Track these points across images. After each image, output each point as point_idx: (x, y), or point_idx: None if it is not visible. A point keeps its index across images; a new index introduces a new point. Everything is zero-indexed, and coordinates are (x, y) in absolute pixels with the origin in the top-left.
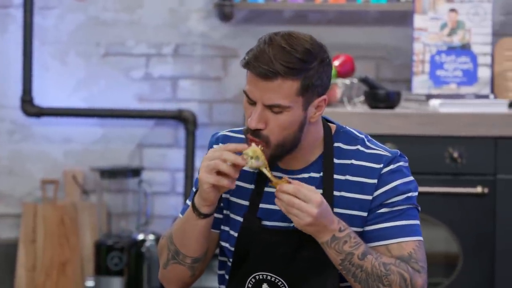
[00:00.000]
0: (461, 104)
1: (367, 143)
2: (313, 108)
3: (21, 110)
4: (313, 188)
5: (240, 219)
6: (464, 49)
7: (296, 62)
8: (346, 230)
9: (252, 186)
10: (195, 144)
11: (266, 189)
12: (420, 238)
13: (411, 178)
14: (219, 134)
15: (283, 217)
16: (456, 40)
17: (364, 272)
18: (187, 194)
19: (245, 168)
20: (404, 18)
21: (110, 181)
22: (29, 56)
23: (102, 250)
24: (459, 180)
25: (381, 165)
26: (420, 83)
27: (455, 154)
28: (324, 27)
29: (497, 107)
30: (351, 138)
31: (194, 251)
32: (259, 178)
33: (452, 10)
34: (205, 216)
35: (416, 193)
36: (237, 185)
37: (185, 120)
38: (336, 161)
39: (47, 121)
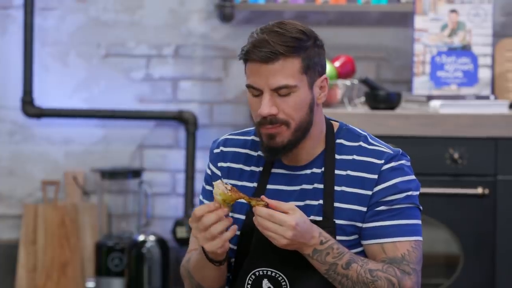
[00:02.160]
0: (462, 105)
1: (369, 140)
2: (317, 88)
3: (21, 111)
4: (291, 207)
5: (243, 217)
6: (465, 50)
7: (293, 41)
8: (328, 242)
9: (254, 184)
10: (195, 145)
11: (269, 186)
12: (419, 238)
13: (412, 177)
14: (219, 139)
15: None
16: (457, 41)
17: (350, 280)
18: (187, 195)
19: (245, 168)
20: (404, 19)
21: (110, 182)
22: (30, 57)
23: (102, 251)
24: (459, 181)
25: (382, 161)
26: (421, 84)
27: (456, 155)
28: (324, 28)
29: (498, 108)
30: (354, 135)
31: (216, 283)
32: (261, 177)
33: (453, 11)
34: (221, 263)
35: (417, 193)
36: (240, 184)
37: (186, 121)
38: (337, 156)
39: (47, 122)
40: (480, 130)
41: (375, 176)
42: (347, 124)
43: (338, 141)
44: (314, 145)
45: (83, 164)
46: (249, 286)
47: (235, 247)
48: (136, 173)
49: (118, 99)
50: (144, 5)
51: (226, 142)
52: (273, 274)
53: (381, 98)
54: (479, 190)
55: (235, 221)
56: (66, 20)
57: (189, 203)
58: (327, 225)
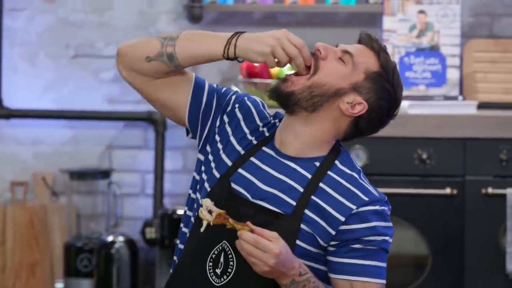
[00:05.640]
0: (430, 106)
1: (362, 176)
2: (351, 99)
3: None
4: (274, 235)
5: (216, 174)
6: (433, 50)
7: (382, 46)
8: (306, 275)
9: (240, 149)
10: (164, 146)
11: (252, 158)
12: (384, 281)
13: (391, 224)
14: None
15: (256, 193)
16: (425, 41)
17: None
18: (156, 195)
19: (246, 131)
20: (373, 20)
21: (79, 183)
22: None
23: (71, 251)
24: (428, 181)
25: (367, 199)
26: None
27: (424, 156)
28: (293, 29)
29: (466, 108)
30: (350, 164)
31: (187, 62)
32: (251, 148)
33: (421, 11)
34: (231, 58)
35: (391, 240)
36: (231, 143)
37: (155, 122)
38: (329, 172)
39: (16, 123)
40: (449, 130)
41: (353, 207)
42: (349, 153)
43: (335, 162)
44: (311, 144)
45: (52, 164)
46: (212, 257)
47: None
48: (105, 174)
49: (87, 100)
50: (113, 6)
51: (253, 102)
52: (228, 252)
53: None
54: (448, 191)
55: (212, 178)
56: (35, 21)
57: (158, 204)
58: (292, 225)
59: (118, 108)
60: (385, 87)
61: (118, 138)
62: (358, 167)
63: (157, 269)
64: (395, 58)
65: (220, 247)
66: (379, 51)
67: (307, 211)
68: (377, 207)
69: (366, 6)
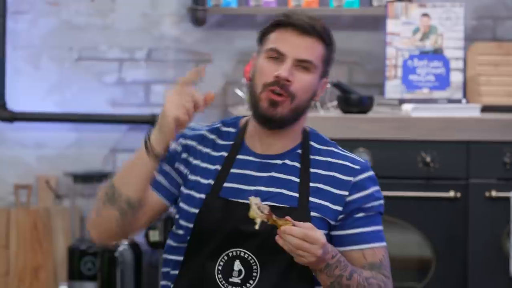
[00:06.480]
0: (434, 109)
1: (339, 147)
2: (321, 87)
3: None
4: (311, 226)
5: (200, 196)
6: (437, 53)
7: (326, 31)
8: (337, 256)
9: (217, 167)
10: (168, 149)
11: (233, 170)
12: (386, 244)
13: (379, 187)
14: (191, 124)
15: (254, 195)
16: (429, 44)
17: None
18: None
19: (209, 151)
20: (376, 23)
21: (83, 186)
22: (2, 60)
23: (75, 255)
24: (431, 184)
25: (359, 167)
26: (393, 88)
27: (428, 159)
28: None
29: (469, 111)
30: (324, 141)
31: (133, 191)
32: (226, 161)
33: (425, 14)
34: (156, 156)
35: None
36: (203, 166)
37: None
38: (311, 156)
39: (20, 126)
40: (452, 133)
41: (351, 179)
42: (314, 129)
43: (310, 143)
44: (292, 138)
45: (55, 168)
46: (220, 266)
47: (191, 225)
48: (108, 177)
49: (91, 103)
50: (116, 8)
51: (192, 128)
52: (246, 256)
53: (353, 102)
54: (451, 194)
55: (195, 201)
56: (38, 23)
57: None
58: (303, 216)
59: (121, 111)
60: (333, 52)
61: (121, 141)
62: (330, 140)
63: (161, 272)
64: (399, 61)
65: (231, 255)
66: (309, 31)
67: (311, 199)
68: (369, 173)
69: (370, 9)
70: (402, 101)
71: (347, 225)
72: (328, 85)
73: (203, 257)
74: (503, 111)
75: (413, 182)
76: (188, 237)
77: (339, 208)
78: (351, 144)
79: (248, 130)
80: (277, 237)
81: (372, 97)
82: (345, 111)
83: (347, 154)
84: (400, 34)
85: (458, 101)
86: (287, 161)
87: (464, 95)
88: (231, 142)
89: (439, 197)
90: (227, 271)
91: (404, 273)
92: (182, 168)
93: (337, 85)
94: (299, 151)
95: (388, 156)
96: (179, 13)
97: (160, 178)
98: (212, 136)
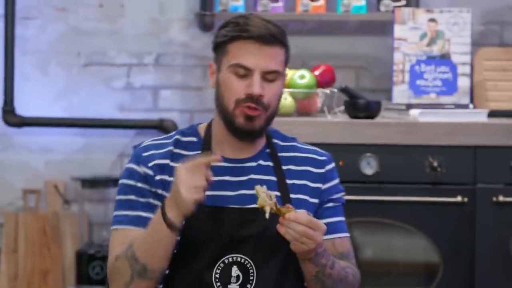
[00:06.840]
0: (441, 114)
1: (299, 142)
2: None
3: (2, 120)
4: (306, 212)
5: None
6: (444, 58)
7: (283, 33)
8: (323, 245)
9: None
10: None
11: (214, 178)
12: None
13: None
14: (145, 144)
15: (239, 200)
16: (436, 49)
17: (331, 279)
18: None
19: (175, 165)
20: (384, 28)
21: (91, 191)
22: (11, 66)
23: (83, 259)
24: (438, 189)
25: (324, 158)
26: (400, 93)
27: (435, 163)
28: (304, 37)
29: (477, 116)
30: (284, 137)
31: (164, 261)
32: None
33: (432, 20)
34: (178, 230)
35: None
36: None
37: (166, 130)
38: (279, 154)
39: (28, 131)
40: (459, 138)
41: (322, 170)
42: (273, 127)
43: (274, 140)
44: (261, 139)
45: (63, 172)
46: (217, 274)
47: (177, 238)
48: (116, 182)
49: (99, 108)
50: (124, 14)
51: (149, 147)
52: (243, 260)
53: (360, 107)
54: (458, 198)
55: None
56: (47, 29)
57: None
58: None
59: (129, 116)
60: (289, 50)
61: (129, 146)
62: (289, 135)
63: None
64: (406, 66)
65: (227, 261)
66: (270, 41)
67: (292, 196)
68: (333, 164)
69: (377, 15)
70: (409, 106)
71: (319, 215)
72: (335, 90)
73: (197, 267)
74: (510, 116)
75: (420, 187)
76: (175, 250)
77: (316, 201)
78: (358, 149)
79: (214, 136)
80: (278, 226)
81: (380, 102)
82: (352, 116)
83: (309, 147)
84: (407, 39)
85: (465, 106)
86: (261, 162)
87: (471, 100)
88: (198, 152)
89: (446, 202)
90: (225, 278)
91: (411, 278)
92: (160, 191)
93: (344, 90)
94: (268, 150)
95: (395, 161)
96: (187, 18)
97: (149, 214)
98: (177, 150)
